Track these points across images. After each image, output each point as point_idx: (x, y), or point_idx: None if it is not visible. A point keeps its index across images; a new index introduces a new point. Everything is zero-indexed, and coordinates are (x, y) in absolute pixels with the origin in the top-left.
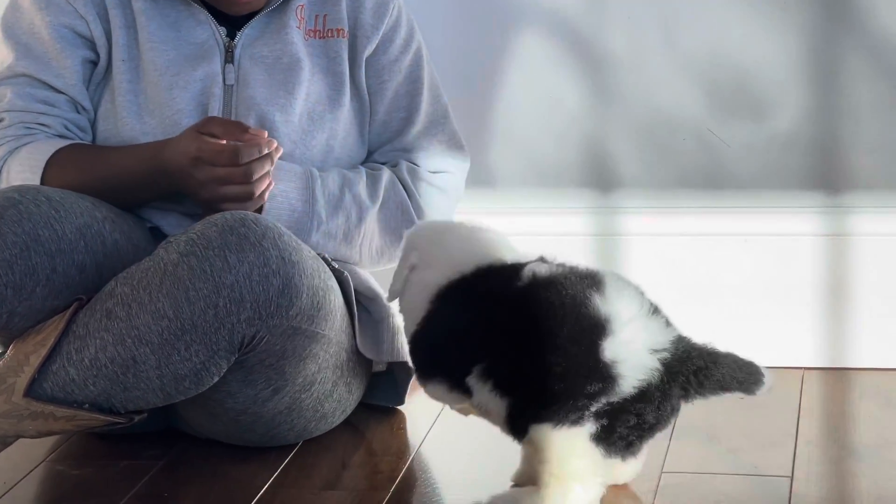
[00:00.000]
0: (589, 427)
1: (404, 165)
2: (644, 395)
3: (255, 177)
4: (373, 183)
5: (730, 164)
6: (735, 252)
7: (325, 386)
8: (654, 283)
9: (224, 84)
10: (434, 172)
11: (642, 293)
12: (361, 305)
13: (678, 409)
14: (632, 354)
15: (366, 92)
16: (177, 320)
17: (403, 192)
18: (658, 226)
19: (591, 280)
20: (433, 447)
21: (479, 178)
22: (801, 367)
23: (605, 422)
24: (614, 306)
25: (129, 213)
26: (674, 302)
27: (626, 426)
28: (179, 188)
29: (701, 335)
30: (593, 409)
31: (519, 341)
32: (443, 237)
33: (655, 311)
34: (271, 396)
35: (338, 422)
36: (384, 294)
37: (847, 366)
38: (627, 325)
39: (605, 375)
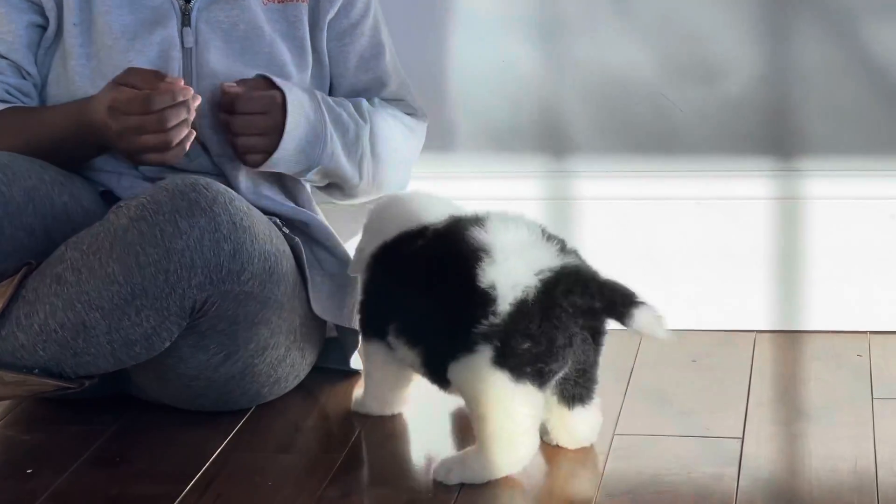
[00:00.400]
0: (484, 351)
1: (377, 100)
2: (521, 312)
3: (170, 124)
4: (356, 107)
5: (682, 127)
6: (687, 215)
7: (278, 351)
8: (607, 246)
9: (182, 47)
10: (406, 114)
11: (536, 226)
12: (326, 271)
13: (586, 340)
14: (509, 276)
15: (325, 56)
16: (127, 285)
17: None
18: (611, 189)
19: (476, 220)
20: None
21: (434, 143)
22: (752, 330)
23: (497, 343)
24: (496, 236)
25: (79, 176)
26: (626, 265)
27: (521, 347)
28: (104, 141)
29: (652, 298)
30: (479, 330)
31: (417, 291)
32: (385, 210)
33: (550, 239)
34: (223, 362)
35: (291, 386)
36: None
37: (798, 328)
38: (508, 250)
39: (483, 298)
